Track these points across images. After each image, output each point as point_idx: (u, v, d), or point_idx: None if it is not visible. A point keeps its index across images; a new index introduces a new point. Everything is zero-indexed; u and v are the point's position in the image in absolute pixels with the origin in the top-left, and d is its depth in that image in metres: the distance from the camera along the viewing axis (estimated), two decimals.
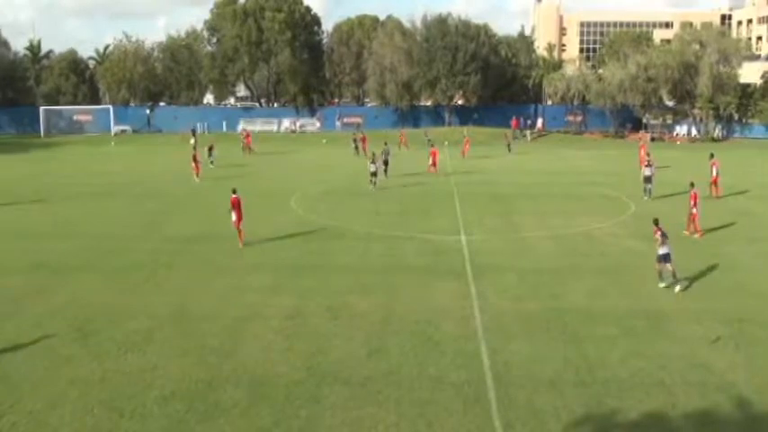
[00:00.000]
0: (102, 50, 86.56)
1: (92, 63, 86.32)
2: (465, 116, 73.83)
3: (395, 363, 13.54)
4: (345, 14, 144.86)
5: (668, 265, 18.10)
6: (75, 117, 75.19)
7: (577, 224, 26.24)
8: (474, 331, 15.15)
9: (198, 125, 69.09)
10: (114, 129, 70.42)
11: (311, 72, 78.19)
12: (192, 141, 52.30)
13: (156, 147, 60.21)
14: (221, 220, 27.08)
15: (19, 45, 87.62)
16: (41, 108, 72.72)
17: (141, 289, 18.61)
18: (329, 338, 14.82)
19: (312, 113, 77.21)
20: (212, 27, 79.62)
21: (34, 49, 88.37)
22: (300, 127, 74.38)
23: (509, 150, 52.98)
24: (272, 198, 32.41)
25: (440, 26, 72.95)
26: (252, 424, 11.26)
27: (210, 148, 43.57)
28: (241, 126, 67.97)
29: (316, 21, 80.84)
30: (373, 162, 35.20)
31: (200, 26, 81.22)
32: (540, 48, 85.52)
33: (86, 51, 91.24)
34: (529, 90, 77.60)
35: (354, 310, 16.63)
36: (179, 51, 79.72)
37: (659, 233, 18.18)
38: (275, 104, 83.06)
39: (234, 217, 23.05)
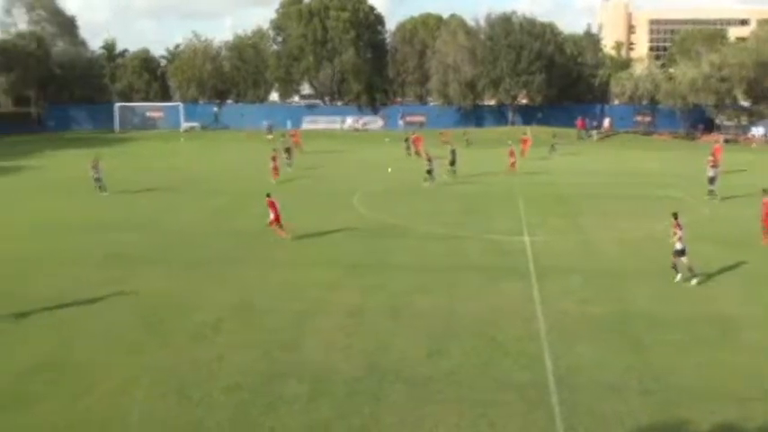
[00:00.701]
0: (172, 49, 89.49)
1: (163, 62, 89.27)
2: (529, 116, 72.79)
3: (456, 363, 13.51)
4: (409, 13, 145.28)
5: (683, 260, 18.34)
6: (147, 114, 77.76)
7: (643, 226, 25.54)
8: (537, 333, 14.97)
9: (265, 122, 70.38)
10: (184, 125, 72.47)
11: (374, 71, 78.63)
12: (270, 137, 53.13)
13: (223, 143, 61.63)
14: (286, 215, 27.56)
15: (96, 44, 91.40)
16: (116, 105, 75.53)
17: (209, 281, 19.12)
18: (390, 337, 14.90)
19: (375, 112, 77.59)
20: (278, 26, 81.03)
21: (110, 48, 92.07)
22: (363, 125, 74.85)
23: (551, 151, 50.00)
24: (335, 195, 32.76)
25: (504, 24, 72.12)
26: (313, 418, 11.44)
27: (288, 150, 43.36)
28: (289, 125, 68.84)
29: (379, 20, 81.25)
30: (429, 160, 35.17)
31: (266, 25, 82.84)
32: (607, 46, 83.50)
33: (158, 50, 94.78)
34: (595, 89, 75.89)
35: (416, 309, 16.67)
36: (246, 50, 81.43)
37: (677, 228, 18.35)
38: (339, 103, 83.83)
39: (271, 217, 23.55)
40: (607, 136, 67.63)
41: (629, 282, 18.75)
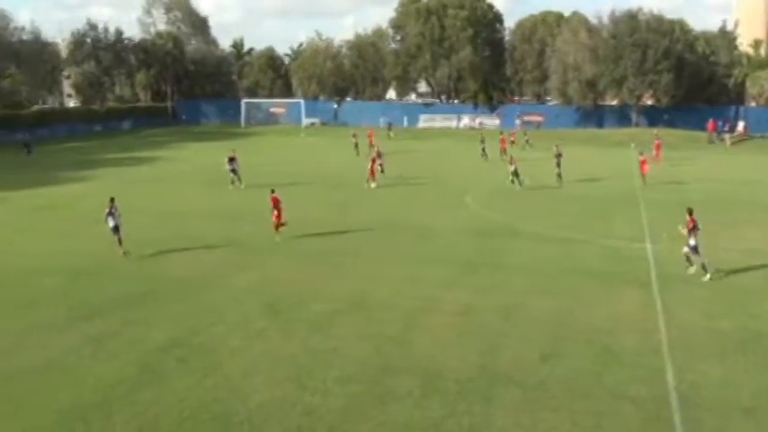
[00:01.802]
0: (296, 48, 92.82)
1: (287, 60, 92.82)
2: (654, 117, 69.35)
3: (570, 369, 13.19)
4: (529, 11, 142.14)
5: (697, 257, 18.73)
6: (270, 109, 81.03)
7: None
8: (658, 346, 14.31)
9: (382, 120, 71.48)
10: (305, 121, 74.90)
11: (492, 69, 77.83)
12: (392, 134, 53.27)
13: (342, 139, 62.98)
14: (401, 212, 27.95)
15: (225, 43, 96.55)
16: (243, 100, 79.27)
17: (327, 274, 19.72)
18: (502, 338, 14.77)
19: (491, 111, 76.76)
20: (397, 25, 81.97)
21: (238, 46, 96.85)
22: (479, 124, 74.25)
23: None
24: (448, 193, 32.79)
25: (629, 22, 69.07)
26: (424, 415, 11.54)
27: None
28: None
29: (498, 18, 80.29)
30: (512, 163, 34.02)
31: (385, 24, 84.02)
32: (744, 44, 77.96)
33: (282, 49, 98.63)
34: (729, 90, 71.09)
35: (529, 311, 16.41)
36: (365, 49, 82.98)
37: (692, 224, 18.62)
38: (455, 101, 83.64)
39: (275, 213, 23.55)
40: (741, 140, 63.21)
41: (762, 297, 17.51)
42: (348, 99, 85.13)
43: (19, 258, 21.70)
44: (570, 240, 23.45)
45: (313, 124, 75.56)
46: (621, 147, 45.58)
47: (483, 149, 45.57)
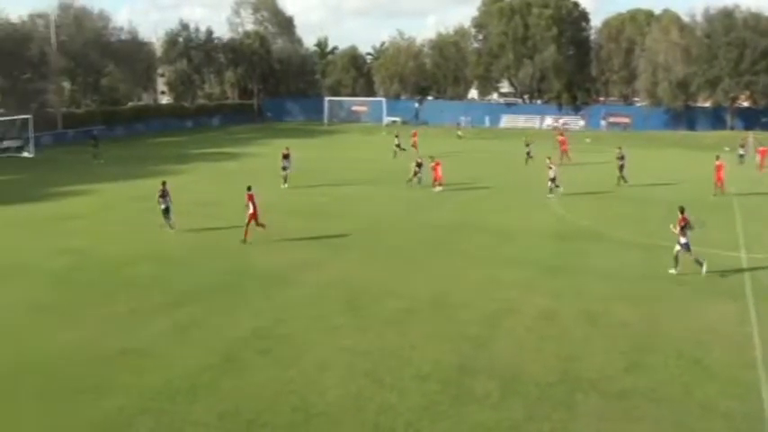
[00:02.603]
0: (378, 47, 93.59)
1: (369, 58, 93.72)
2: (751, 119, 65.94)
3: (656, 380, 12.69)
4: (616, 9, 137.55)
5: (688, 254, 18.93)
6: (352, 108, 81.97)
7: None
8: (752, 361, 13.57)
9: (462, 119, 71.18)
10: (386, 120, 75.38)
11: (577, 69, 75.99)
12: (460, 133, 52.53)
13: (421, 138, 62.97)
14: (479, 212, 27.71)
15: (310, 42, 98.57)
16: (325, 99, 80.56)
17: (403, 271, 19.79)
18: (585, 345, 14.38)
19: (576, 111, 74.94)
20: (479, 24, 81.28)
21: (322, 45, 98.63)
22: (563, 125, 72.65)
23: (740, 161, 43.72)
24: (531, 194, 32.22)
25: (724, 20, 65.89)
26: (503, 417, 11.38)
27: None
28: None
29: (583, 16, 78.28)
30: (551, 167, 32.34)
31: (467, 24, 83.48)
32: None
33: (365, 48, 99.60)
34: None
35: (613, 318, 15.91)
36: (447, 48, 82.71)
37: (684, 222, 18.91)
38: (538, 101, 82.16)
39: (250, 211, 22.86)
40: None
41: None
42: (429, 98, 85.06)
43: (113, 246, 22.83)
44: (656, 246, 22.55)
45: (394, 123, 75.90)
46: (714, 150, 43.54)
47: (528, 153, 43.04)
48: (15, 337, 14.90)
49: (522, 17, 74.58)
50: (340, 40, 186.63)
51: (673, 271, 19.26)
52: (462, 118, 71.01)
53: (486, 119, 73.78)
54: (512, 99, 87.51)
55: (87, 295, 17.70)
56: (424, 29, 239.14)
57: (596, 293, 17.68)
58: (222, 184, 35.84)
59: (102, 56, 68.60)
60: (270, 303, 17.01)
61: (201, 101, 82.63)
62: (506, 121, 74.67)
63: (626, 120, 71.04)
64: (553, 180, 31.67)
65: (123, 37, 72.46)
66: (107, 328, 15.35)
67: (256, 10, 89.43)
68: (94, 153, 44.80)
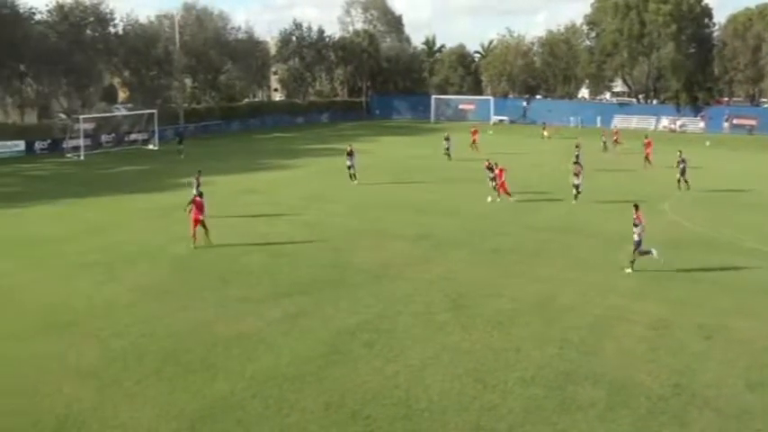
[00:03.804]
0: (486, 45, 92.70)
1: (476, 57, 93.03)
2: None
3: None
4: (743, 5, 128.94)
5: (635, 251, 19.19)
6: (459, 106, 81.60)
7: None
8: None
9: (572, 119, 69.37)
10: (493, 119, 74.55)
11: (697, 68, 72.02)
12: (546, 133, 51.68)
13: (529, 138, 61.92)
14: (586, 216, 26.93)
15: (418, 41, 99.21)
16: (433, 96, 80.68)
17: (508, 271, 19.56)
18: (700, 359, 13.67)
19: (695, 112, 71.09)
20: (592, 21, 78.76)
21: (429, 44, 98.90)
22: (681, 126, 69.16)
23: None
24: (645, 199, 30.80)
25: None
26: (609, 428, 11.04)
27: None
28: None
29: (706, 12, 73.91)
30: (576, 174, 29.93)
31: (579, 21, 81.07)
32: None
33: (473, 46, 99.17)
34: None
35: (733, 332, 15.02)
36: (557, 46, 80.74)
37: (638, 220, 19.15)
38: (653, 101, 78.62)
39: (193, 217, 22.10)
40: None
41: None
42: (538, 97, 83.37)
43: (228, 235, 23.91)
44: None
45: (501, 121, 74.96)
46: None
47: (577, 156, 38.81)
48: (140, 318, 15.97)
49: (638, 13, 71.51)
50: (448, 39, 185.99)
51: (629, 271, 19.36)
52: (573, 118, 69.13)
53: (598, 119, 71.34)
54: (625, 99, 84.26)
55: (204, 281, 18.70)
56: (534, 26, 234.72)
57: (714, 305, 16.77)
58: (329, 179, 36.69)
59: (221, 54, 71.94)
60: (374, 297, 17.29)
61: (312, 98, 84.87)
62: (618, 121, 71.91)
63: (752, 122, 66.65)
64: (577, 187, 29.71)
65: (240, 36, 75.63)
66: (221, 313, 16.15)
67: (366, 9, 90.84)
68: (179, 149, 47.13)
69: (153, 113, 54.31)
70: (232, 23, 75.78)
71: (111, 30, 62.72)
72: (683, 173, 33.36)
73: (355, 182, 34.46)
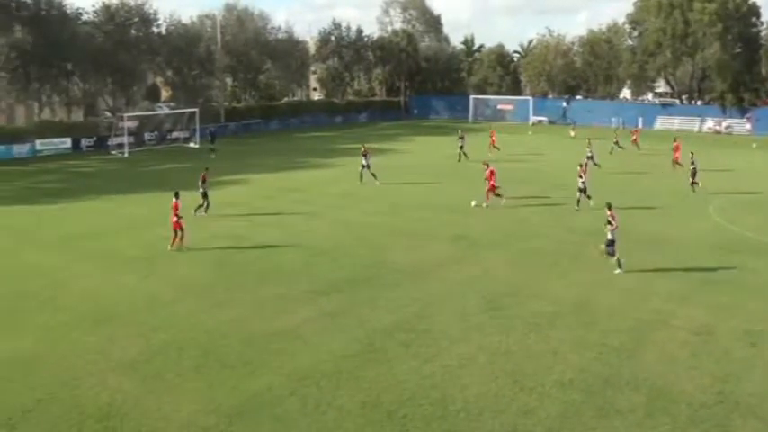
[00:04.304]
0: (525, 45, 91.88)
1: (516, 57, 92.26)
2: None
3: None
4: None
5: (611, 251, 19.15)
6: (498, 106, 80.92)
7: None
8: None
9: (614, 120, 68.31)
10: (532, 119, 73.81)
11: (744, 68, 70.07)
12: (573, 133, 51.30)
13: (567, 139, 61.18)
14: (630, 218, 26.46)
15: (456, 40, 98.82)
16: (471, 97, 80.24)
17: (546, 274, 19.35)
18: (745, 366, 13.34)
19: (742, 114, 69.26)
20: (634, 21, 77.28)
21: (468, 43, 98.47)
22: (726, 128, 67.48)
23: None
24: (689, 202, 30.26)
25: None
26: None
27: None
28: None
29: (753, 11, 71.79)
30: (580, 176, 28.34)
31: (621, 20, 79.67)
32: None
33: (512, 46, 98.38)
34: None
35: None
36: (599, 45, 79.50)
37: (612, 218, 19.14)
38: (698, 102, 76.88)
39: (174, 219, 21.72)
40: None
41: None
42: (578, 97, 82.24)
43: (266, 233, 24.23)
44: None
45: (541, 122, 74.19)
46: None
47: (590, 157, 38.63)
48: (181, 313, 16.27)
49: (682, 12, 69.90)
50: (487, 38, 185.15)
51: (619, 271, 19.18)
52: (615, 119, 68.06)
53: (640, 120, 70.02)
54: (668, 99, 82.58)
55: (242, 278, 18.95)
56: (575, 26, 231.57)
57: (760, 312, 16.32)
58: (367, 178, 36.72)
59: (261, 54, 72.63)
60: (411, 297, 17.30)
61: (351, 97, 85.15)
62: (661, 122, 70.52)
63: None
64: (583, 191, 27.84)
65: (280, 36, 76.23)
66: (258, 311, 16.34)
67: (405, 9, 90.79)
68: (211, 148, 47.73)
69: (194, 112, 55.21)
70: (272, 23, 76.46)
71: (155, 30, 63.79)
72: (693, 174, 32.72)
73: (377, 182, 34.20)
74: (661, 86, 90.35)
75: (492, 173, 29.11)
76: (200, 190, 26.47)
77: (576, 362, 13.44)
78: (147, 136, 55.61)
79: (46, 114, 60.07)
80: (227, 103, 68.75)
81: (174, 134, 56.94)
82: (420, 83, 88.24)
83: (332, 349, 14.03)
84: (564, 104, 78.22)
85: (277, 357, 13.68)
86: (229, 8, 72.39)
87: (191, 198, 29.91)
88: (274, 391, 12.29)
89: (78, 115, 62.09)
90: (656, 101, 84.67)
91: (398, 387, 12.38)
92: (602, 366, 13.27)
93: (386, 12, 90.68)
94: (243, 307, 16.60)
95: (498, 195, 28.92)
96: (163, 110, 63.72)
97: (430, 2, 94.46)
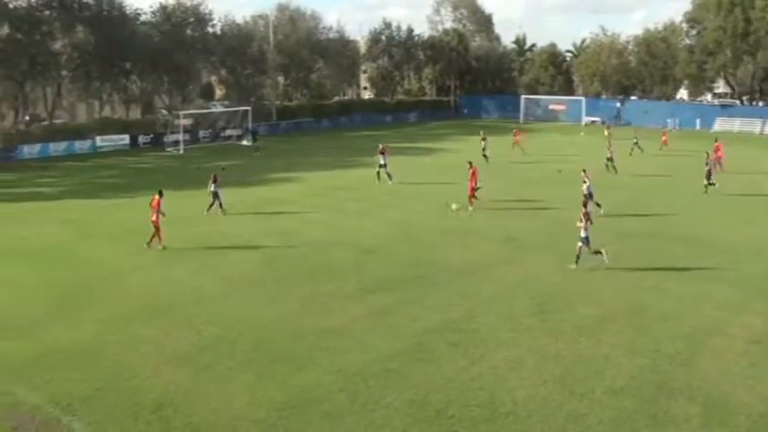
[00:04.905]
0: (578, 44, 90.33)
1: (568, 56, 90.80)
2: None
3: None
4: None
5: (587, 248, 19.12)
6: (550, 106, 79.70)
7: None
8: None
9: (669, 121, 66.65)
10: (584, 119, 72.53)
11: None
12: (607, 133, 50.09)
13: (623, 141, 59.88)
14: (686, 221, 25.85)
15: (508, 40, 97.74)
16: (522, 96, 79.33)
17: (596, 277, 18.98)
18: None
19: None
20: (692, 19, 75.08)
21: (520, 42, 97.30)
22: None
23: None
24: (747, 204, 29.26)
25: None
26: None
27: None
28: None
29: None
30: (585, 181, 26.68)
31: (678, 19, 77.53)
32: None
33: (564, 45, 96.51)
34: None
35: None
36: (655, 45, 77.53)
37: (585, 216, 19.20)
38: (759, 103, 74.30)
39: (153, 217, 21.76)
40: None
41: None
42: (632, 98, 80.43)
43: (316, 230, 24.48)
44: None
45: (593, 123, 72.81)
46: None
47: (609, 158, 38.13)
48: (231, 307, 16.60)
49: (743, 10, 67.58)
50: (539, 38, 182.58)
51: (573, 266, 19.32)
52: (670, 120, 66.37)
53: (697, 121, 68.09)
54: (728, 100, 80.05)
55: (292, 274, 19.19)
56: (630, 25, 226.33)
57: None
58: (416, 177, 36.76)
59: (313, 53, 73.38)
60: (459, 297, 17.24)
61: (400, 96, 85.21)
62: (720, 124, 68.35)
63: None
64: (589, 196, 25.20)
65: (331, 36, 76.87)
66: (308, 307, 16.53)
67: (456, 8, 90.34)
68: (255, 147, 48.45)
69: (247, 110, 56.14)
70: (324, 23, 77.17)
71: (210, 30, 65.17)
72: (708, 176, 31.86)
73: (390, 182, 34.07)
74: (720, 87, 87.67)
75: (473, 173, 28.40)
76: (211, 189, 26.80)
77: (628, 368, 13.17)
78: (201, 133, 56.90)
79: (106, 112, 62.17)
80: (278, 102, 69.68)
81: (228, 132, 58.02)
82: (470, 82, 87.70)
83: (380, 347, 14.10)
84: (618, 105, 76.58)
85: (326, 354, 13.82)
86: (282, 8, 73.41)
87: (232, 196, 30.36)
88: (323, 387, 12.42)
89: (136, 113, 63.99)
90: (716, 102, 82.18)
91: (446, 387, 12.35)
92: (656, 373, 12.97)
93: (436, 11, 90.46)
94: (292, 303, 16.82)
95: (474, 198, 28.00)
96: (217, 108, 65.02)
97: (481, 1, 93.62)
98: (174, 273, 19.56)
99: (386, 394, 12.09)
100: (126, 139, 52.85)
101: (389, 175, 34.31)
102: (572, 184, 34.04)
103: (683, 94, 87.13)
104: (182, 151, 49.82)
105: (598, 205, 26.09)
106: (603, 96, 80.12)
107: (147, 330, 15.13)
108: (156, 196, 22.15)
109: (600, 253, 19.53)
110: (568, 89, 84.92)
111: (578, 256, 19.42)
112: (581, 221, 19.38)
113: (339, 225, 25.51)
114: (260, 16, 71.74)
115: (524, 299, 17.09)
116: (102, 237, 23.99)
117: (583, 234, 19.36)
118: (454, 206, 27.52)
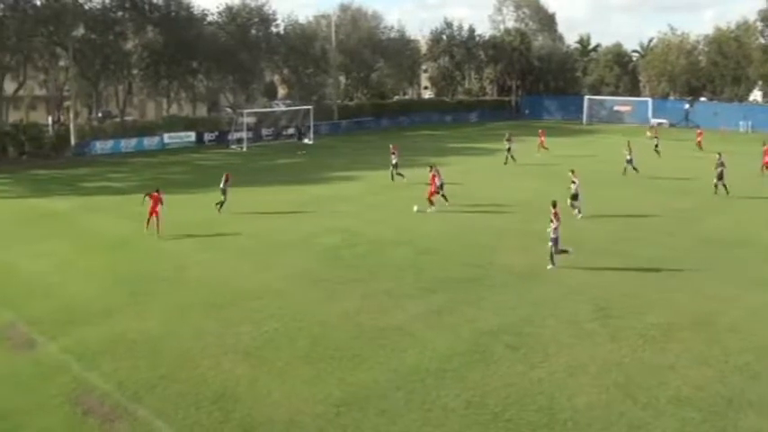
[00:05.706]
0: (645, 44, 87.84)
1: (634, 56, 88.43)
2: None
3: None
4: None
5: (555, 248, 19.24)
6: (615, 107, 77.79)
7: None
8: None
9: (742, 123, 64.18)
10: (651, 121, 70.51)
11: None
12: (650, 134, 48.61)
13: (688, 143, 57.99)
14: (756, 227, 24.84)
15: (571, 39, 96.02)
16: (585, 97, 77.70)
17: (663, 284, 18.43)
18: None
19: None
20: (766, 17, 71.91)
21: (584, 42, 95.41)
22: None
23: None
24: None
25: None
26: None
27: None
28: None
29: None
30: (573, 182, 26.45)
31: (752, 17, 74.34)
32: None
33: (630, 45, 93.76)
34: None
35: None
36: (727, 44, 74.63)
37: (555, 216, 19.18)
38: None
39: (150, 209, 23.35)
40: None
41: None
42: (702, 99, 77.69)
43: (376, 228, 24.62)
44: None
45: (660, 125, 70.65)
46: None
47: (629, 160, 37.08)
48: (292, 303, 16.86)
49: None
50: (604, 37, 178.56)
51: (550, 267, 19.37)
52: (742, 122, 63.89)
53: None
54: None
55: (351, 272, 19.35)
56: (700, 24, 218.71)
57: None
58: (476, 178, 36.53)
59: (373, 53, 73.76)
60: (519, 299, 17.04)
61: (461, 96, 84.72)
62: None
63: None
64: (575, 197, 26.26)
65: (392, 35, 77.06)
66: (366, 305, 16.63)
67: (518, 7, 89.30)
68: (299, 146, 49.03)
69: (309, 109, 56.88)
70: (385, 23, 77.45)
71: (273, 30, 66.22)
72: (720, 177, 30.71)
73: (394, 181, 34.35)
74: None
75: (434, 177, 28.05)
76: (222, 187, 27.11)
77: (695, 378, 12.73)
78: (264, 131, 58.02)
79: (173, 110, 64.04)
80: (339, 101, 70.32)
81: (290, 130, 58.95)
82: (532, 82, 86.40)
83: (438, 347, 14.07)
84: (686, 106, 74.10)
85: (384, 352, 13.88)
86: (344, 8, 74.10)
87: (293, 194, 30.83)
88: (381, 384, 12.49)
89: (202, 111, 65.75)
90: None
91: (504, 390, 12.23)
92: (724, 386, 12.50)
93: (498, 10, 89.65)
94: (351, 300, 16.95)
95: (432, 202, 27.77)
96: (279, 107, 66.08)
97: (544, 0, 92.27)
98: (236, 267, 20.02)
99: (442, 394, 12.06)
100: (192, 136, 54.38)
101: (401, 175, 34.54)
102: (654, 189, 33.25)
103: (756, 95, 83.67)
104: (245, 149, 50.89)
105: (578, 210, 26.18)
106: (671, 97, 77.72)
107: (209, 323, 15.52)
108: (155, 193, 23.87)
109: (566, 251, 19.68)
110: (634, 90, 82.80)
111: (552, 256, 19.48)
112: (552, 222, 19.39)
113: (399, 224, 25.58)
114: (322, 16, 72.58)
115: (586, 304, 16.74)
116: (170, 230, 24.71)
117: (552, 235, 19.32)
118: (416, 208, 27.50)
